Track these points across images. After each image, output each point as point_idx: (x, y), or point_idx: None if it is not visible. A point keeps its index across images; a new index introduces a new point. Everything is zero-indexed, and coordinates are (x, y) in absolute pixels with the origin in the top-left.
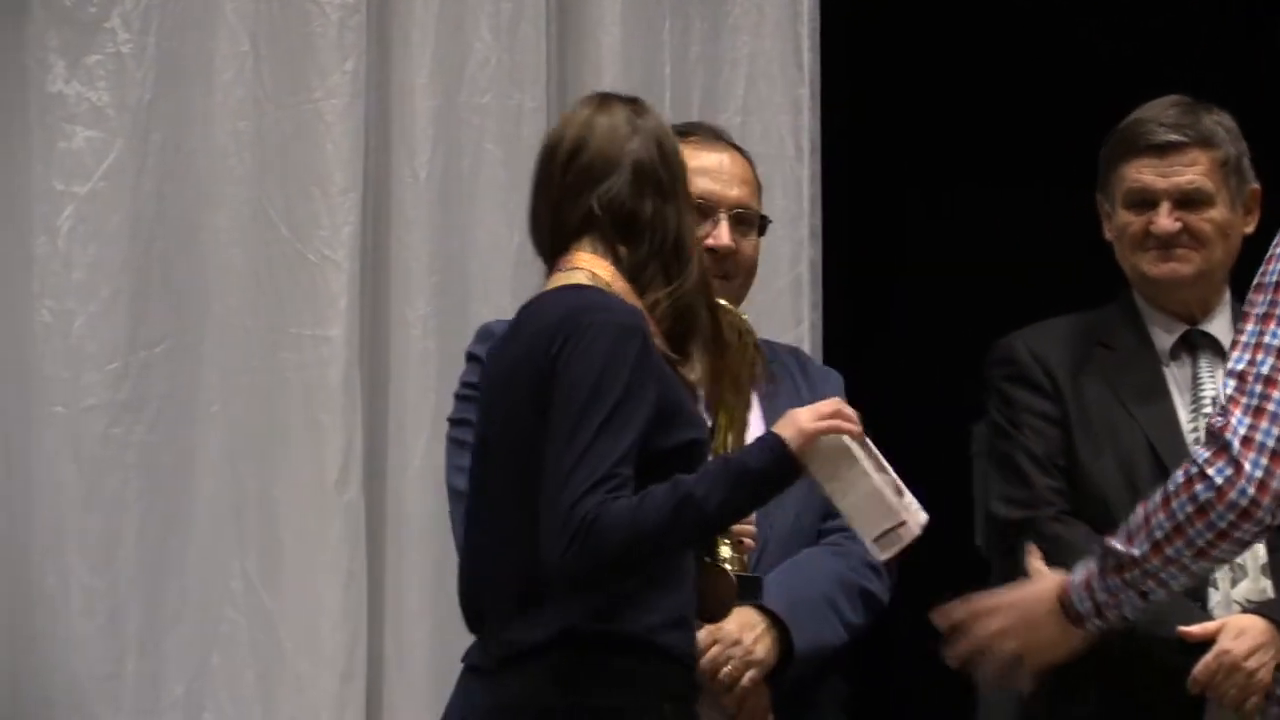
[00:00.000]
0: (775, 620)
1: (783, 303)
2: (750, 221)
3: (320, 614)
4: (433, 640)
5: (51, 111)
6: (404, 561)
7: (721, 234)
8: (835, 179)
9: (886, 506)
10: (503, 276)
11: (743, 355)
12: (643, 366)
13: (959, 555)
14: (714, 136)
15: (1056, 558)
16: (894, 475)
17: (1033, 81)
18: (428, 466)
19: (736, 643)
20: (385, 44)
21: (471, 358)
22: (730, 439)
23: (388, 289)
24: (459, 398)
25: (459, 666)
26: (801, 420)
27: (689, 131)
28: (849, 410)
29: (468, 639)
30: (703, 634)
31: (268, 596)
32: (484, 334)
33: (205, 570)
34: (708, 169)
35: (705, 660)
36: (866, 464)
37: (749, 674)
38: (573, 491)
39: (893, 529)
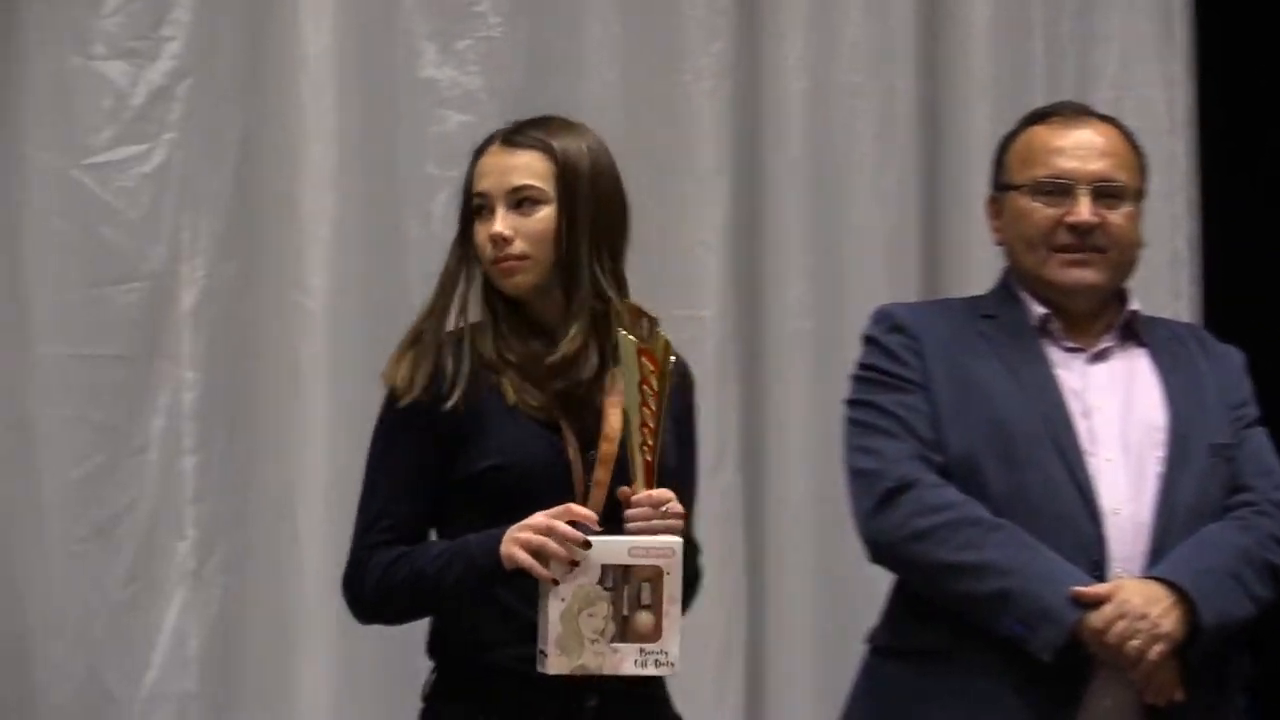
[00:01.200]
0: (1181, 594)
1: (1160, 277)
2: (1118, 194)
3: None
4: (815, 621)
5: (423, 96)
6: (784, 542)
7: (1080, 210)
8: (1214, 153)
9: (546, 631)
10: (876, 256)
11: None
12: (385, 419)
13: None
14: (1076, 113)
15: None
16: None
17: None
18: (807, 447)
19: (1143, 616)
20: (754, 25)
21: (869, 340)
22: (640, 439)
23: (761, 270)
24: (857, 379)
25: (843, 647)
26: (513, 532)
27: (1050, 112)
28: (562, 529)
29: (852, 619)
30: (1109, 608)
31: None
32: (881, 316)
33: None
34: (1065, 148)
35: (1112, 634)
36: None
37: (1156, 648)
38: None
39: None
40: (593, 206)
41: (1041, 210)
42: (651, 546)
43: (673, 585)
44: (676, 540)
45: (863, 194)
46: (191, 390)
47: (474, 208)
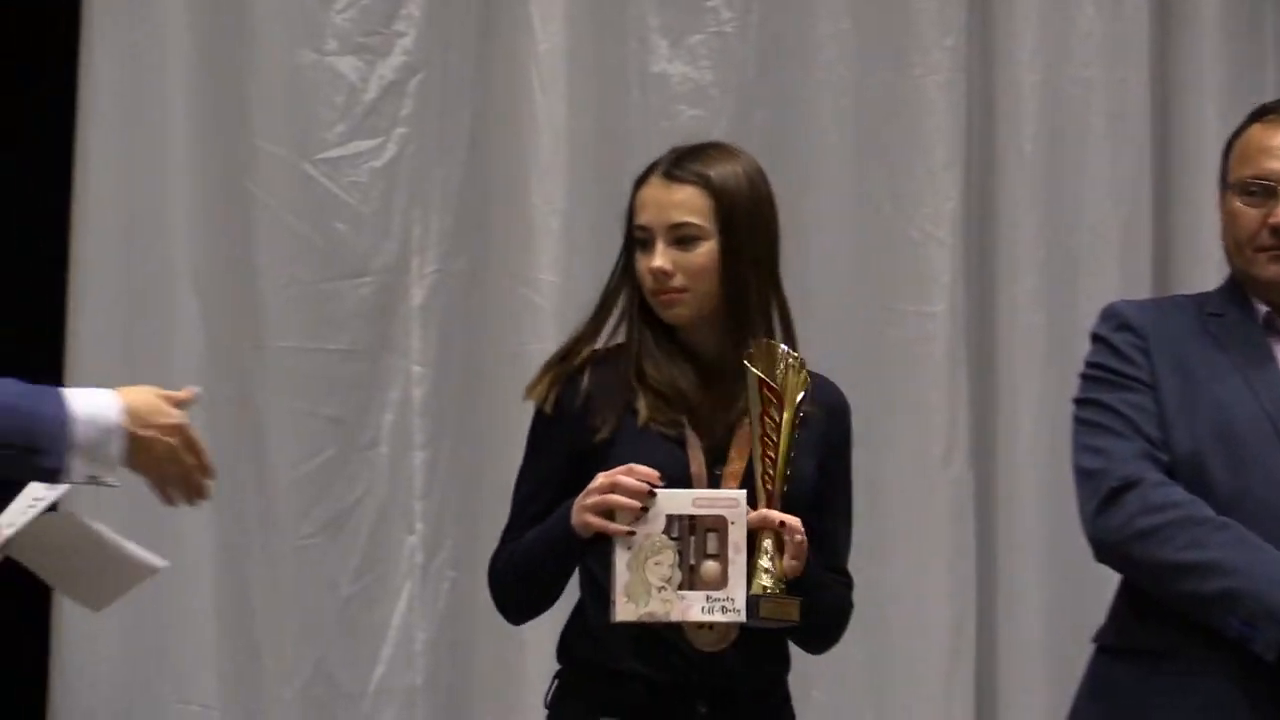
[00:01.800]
0: None
1: None
2: None
3: (928, 591)
4: (1048, 618)
5: (655, 91)
6: (1015, 538)
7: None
8: None
9: (614, 580)
10: (1110, 252)
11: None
12: (531, 429)
13: None
14: None
15: None
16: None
17: None
18: (1038, 443)
19: None
20: (987, 19)
21: (1097, 339)
22: (761, 468)
23: (993, 265)
24: (1085, 378)
25: (1076, 646)
26: (579, 500)
27: (1270, 110)
28: (626, 481)
29: (1085, 616)
30: None
31: (876, 573)
32: (1109, 315)
33: None
34: (1273, 147)
35: None
36: None
37: None
38: None
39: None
40: (753, 237)
41: (1247, 211)
42: (716, 497)
43: (737, 534)
44: (741, 492)
45: (1095, 187)
46: (420, 385)
47: (636, 239)
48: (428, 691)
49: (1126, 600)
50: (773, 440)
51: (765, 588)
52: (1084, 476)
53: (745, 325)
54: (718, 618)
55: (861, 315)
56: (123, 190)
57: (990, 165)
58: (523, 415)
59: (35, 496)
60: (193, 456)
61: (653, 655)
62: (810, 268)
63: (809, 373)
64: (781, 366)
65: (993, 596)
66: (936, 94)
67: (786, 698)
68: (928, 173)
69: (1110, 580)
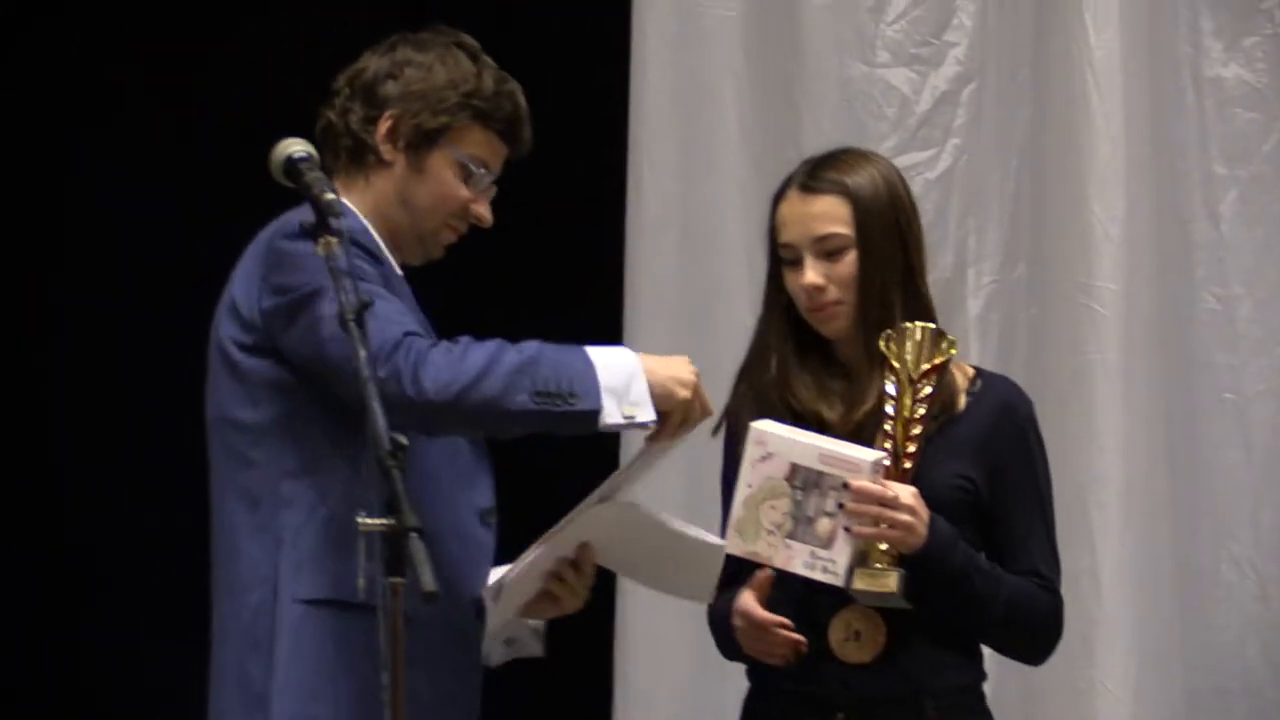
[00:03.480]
0: None
1: None
2: None
3: None
4: None
5: (1210, 95)
6: None
7: None
8: None
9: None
10: None
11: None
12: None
13: None
14: None
15: None
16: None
17: None
18: None
19: None
20: None
21: None
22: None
23: None
24: None
25: None
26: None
27: None
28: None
29: None
30: None
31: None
32: None
33: None
34: None
35: None
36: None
37: None
38: None
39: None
40: (895, 240)
41: None
42: (843, 457)
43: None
44: (870, 454)
45: None
46: None
47: (782, 259)
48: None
49: None
50: (892, 415)
51: (866, 556)
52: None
53: (884, 328)
54: (818, 576)
55: None
56: (675, 200)
57: None
58: (1083, 423)
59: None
60: (699, 402)
61: (803, 669)
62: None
63: (975, 369)
64: (912, 342)
65: None
66: None
67: (922, 709)
68: None
69: None
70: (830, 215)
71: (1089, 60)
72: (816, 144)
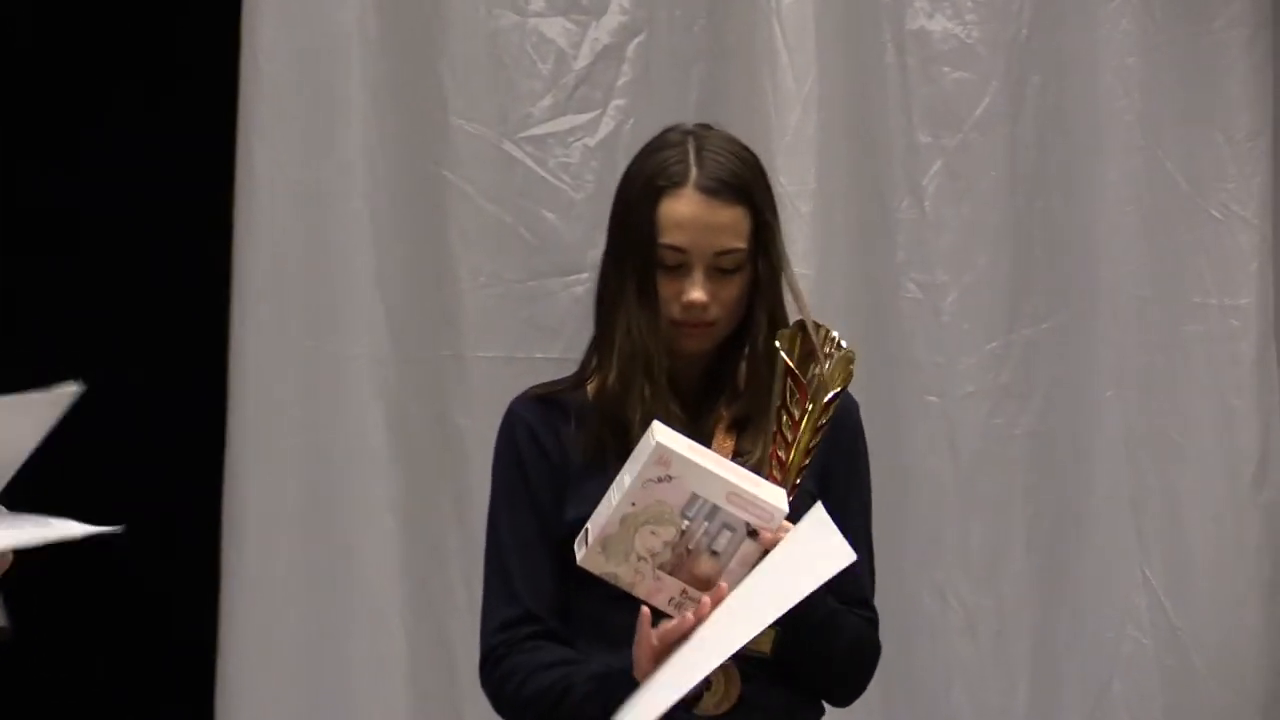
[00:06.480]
0: None
1: None
2: None
3: (1238, 633)
4: None
5: (914, 51)
6: None
7: None
8: None
9: (600, 520)
10: None
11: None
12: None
13: None
14: None
15: None
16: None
17: None
18: None
19: None
20: None
21: None
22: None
23: None
24: None
25: None
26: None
27: None
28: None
29: None
30: None
31: (1175, 612)
32: None
33: (1102, 582)
34: None
35: None
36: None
37: None
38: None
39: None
40: (777, 259)
41: None
42: (755, 502)
43: (751, 549)
44: (781, 508)
45: None
46: None
47: (661, 261)
48: None
49: None
50: (786, 439)
51: None
52: None
53: (737, 352)
54: (674, 613)
55: (1154, 309)
56: (291, 178)
57: None
58: None
59: None
60: None
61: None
62: (1094, 254)
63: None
64: (822, 353)
65: None
66: (1239, 52)
67: None
68: (1230, 143)
69: None
70: (735, 229)
71: (775, 10)
72: (463, 106)
